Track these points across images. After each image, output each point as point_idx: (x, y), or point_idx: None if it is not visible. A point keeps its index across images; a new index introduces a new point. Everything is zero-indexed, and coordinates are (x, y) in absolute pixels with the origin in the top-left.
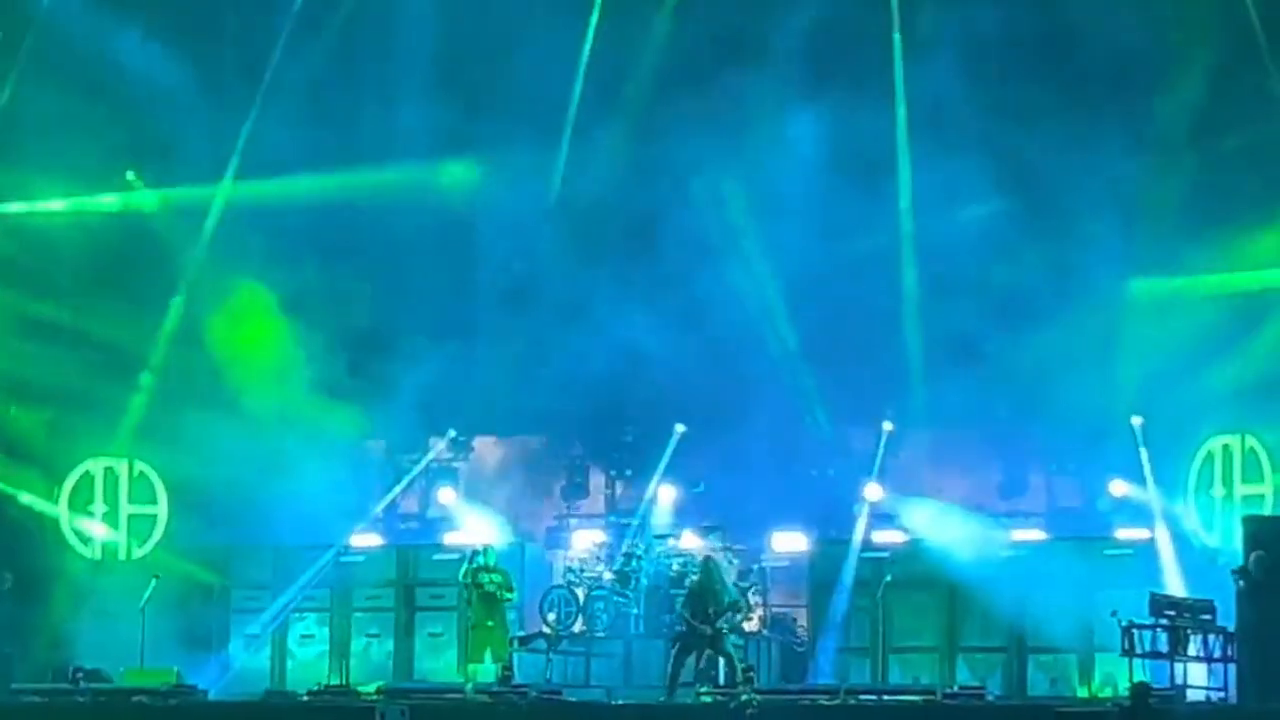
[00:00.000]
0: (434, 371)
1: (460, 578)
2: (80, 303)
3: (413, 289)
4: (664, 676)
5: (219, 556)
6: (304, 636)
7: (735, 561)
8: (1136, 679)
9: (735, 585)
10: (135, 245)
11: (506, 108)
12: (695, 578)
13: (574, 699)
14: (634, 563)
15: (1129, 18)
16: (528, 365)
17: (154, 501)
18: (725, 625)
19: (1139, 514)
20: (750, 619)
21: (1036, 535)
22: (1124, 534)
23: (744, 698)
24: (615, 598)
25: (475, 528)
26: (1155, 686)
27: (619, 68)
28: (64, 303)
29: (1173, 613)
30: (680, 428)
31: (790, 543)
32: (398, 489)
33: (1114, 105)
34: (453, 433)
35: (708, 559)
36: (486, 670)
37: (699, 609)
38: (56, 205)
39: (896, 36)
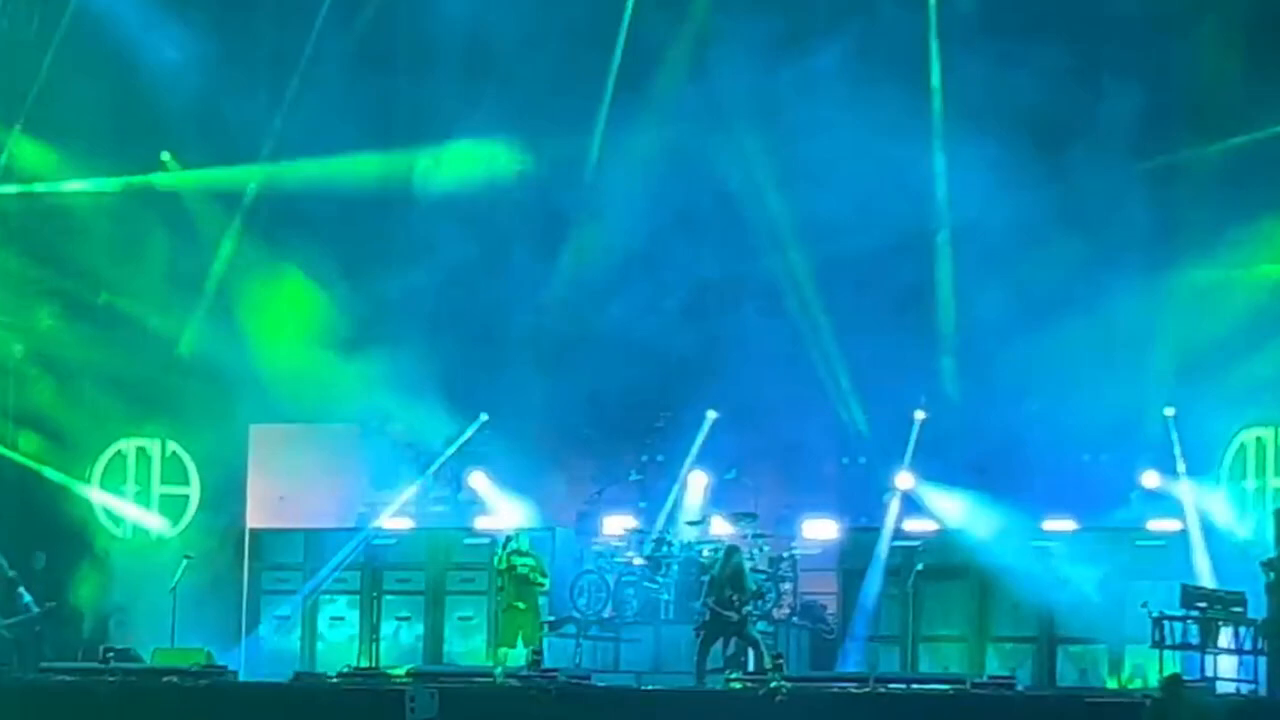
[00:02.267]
0: (467, 355)
1: (496, 564)
2: (115, 282)
3: (445, 271)
4: (693, 663)
5: (250, 537)
6: (334, 619)
7: (765, 549)
8: (1168, 670)
9: (762, 571)
10: (171, 225)
11: (538, 91)
12: (717, 565)
13: (603, 684)
14: (664, 549)
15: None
16: (561, 350)
17: (186, 482)
18: (754, 612)
19: (1171, 505)
20: (781, 606)
21: (1068, 525)
22: (1155, 525)
23: (773, 684)
24: (645, 583)
25: (506, 512)
26: (1185, 678)
27: (648, 52)
28: (99, 282)
29: (1204, 604)
30: (712, 414)
31: (821, 530)
32: (429, 472)
33: (1150, 89)
34: (485, 416)
35: (730, 547)
36: (517, 654)
37: (722, 596)
38: (89, 185)
39: (933, 26)
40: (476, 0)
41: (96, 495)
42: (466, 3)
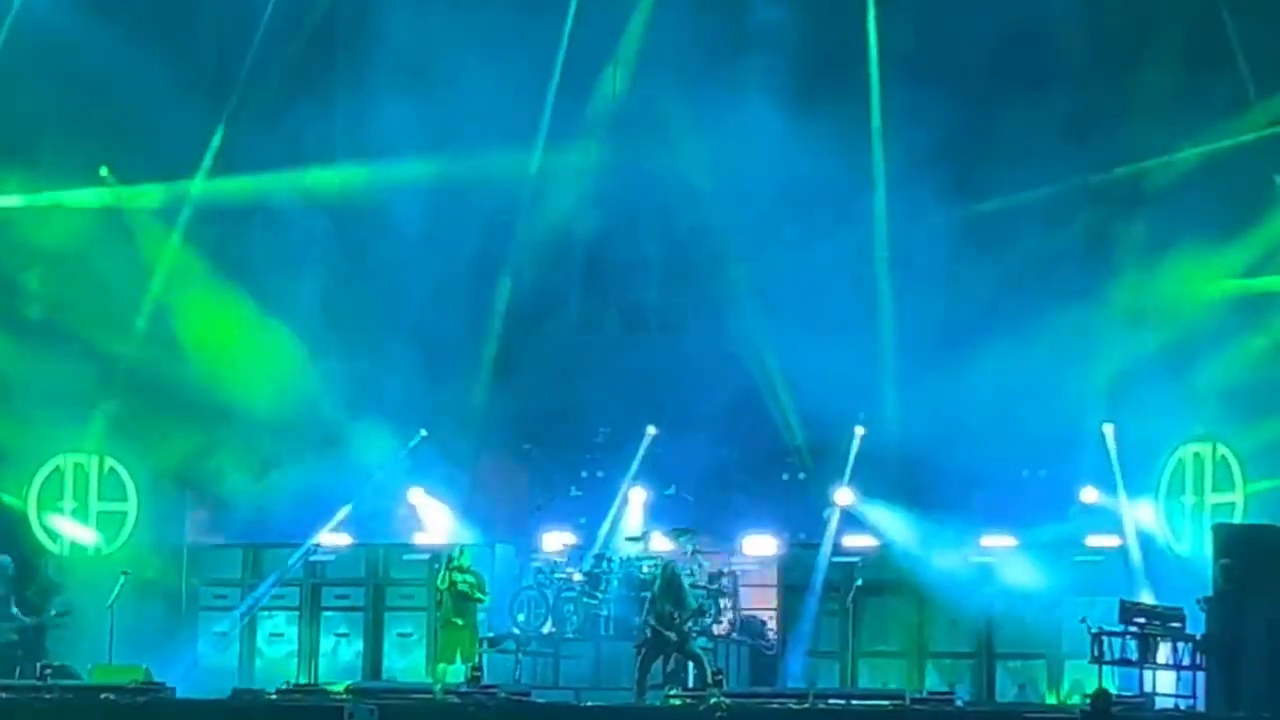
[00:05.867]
0: (406, 370)
1: (439, 583)
2: (52, 298)
3: (384, 287)
4: (633, 679)
5: (188, 554)
6: (273, 635)
7: (705, 565)
8: (1104, 686)
9: (702, 587)
10: (110, 239)
11: (478, 106)
12: (657, 582)
13: (542, 700)
14: (604, 564)
15: (1091, 25)
16: (500, 365)
17: (124, 498)
18: (694, 628)
19: (1109, 521)
20: (720, 623)
21: (1007, 541)
22: (1094, 541)
23: (713, 700)
24: (585, 599)
25: (444, 528)
26: (1124, 694)
27: (595, 66)
28: (36, 298)
29: (1142, 620)
30: (652, 430)
31: (761, 546)
32: (367, 488)
33: (1085, 108)
34: (424, 432)
35: (668, 564)
36: (456, 670)
37: (662, 614)
38: (27, 199)
39: (873, 50)
40: (416, 13)
41: (33, 511)
42: (405, 15)
